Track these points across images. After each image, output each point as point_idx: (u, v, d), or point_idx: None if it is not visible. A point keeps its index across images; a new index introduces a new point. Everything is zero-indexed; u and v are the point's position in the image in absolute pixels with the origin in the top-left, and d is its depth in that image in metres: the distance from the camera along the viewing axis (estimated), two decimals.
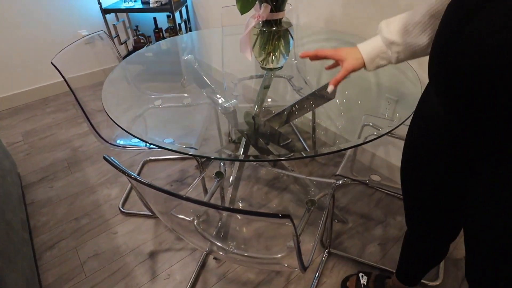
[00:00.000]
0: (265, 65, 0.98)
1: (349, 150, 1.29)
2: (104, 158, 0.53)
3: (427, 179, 0.62)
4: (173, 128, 1.29)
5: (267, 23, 0.89)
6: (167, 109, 1.34)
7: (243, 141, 1.20)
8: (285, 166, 1.59)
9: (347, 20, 1.35)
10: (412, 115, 0.68)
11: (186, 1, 2.35)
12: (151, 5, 2.10)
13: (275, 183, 1.55)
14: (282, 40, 0.93)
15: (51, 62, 0.95)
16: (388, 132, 0.83)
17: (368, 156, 1.63)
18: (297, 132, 1.82)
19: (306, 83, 1.53)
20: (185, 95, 1.39)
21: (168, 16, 2.28)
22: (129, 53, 2.44)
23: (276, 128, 1.19)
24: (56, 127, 2.01)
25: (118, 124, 0.91)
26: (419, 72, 1.23)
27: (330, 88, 0.68)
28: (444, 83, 0.46)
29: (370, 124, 1.27)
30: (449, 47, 0.43)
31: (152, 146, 0.88)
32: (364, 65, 0.66)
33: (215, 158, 1.11)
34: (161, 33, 2.33)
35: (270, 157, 0.78)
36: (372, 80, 1.35)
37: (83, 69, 2.45)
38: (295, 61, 1.55)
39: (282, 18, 0.90)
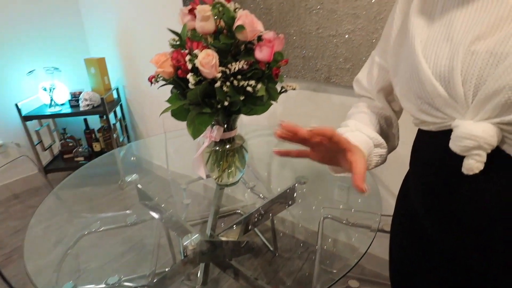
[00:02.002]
0: (220, 181, 0.92)
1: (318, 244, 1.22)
2: None
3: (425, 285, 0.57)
4: (116, 259, 1.09)
5: (220, 141, 0.86)
6: (107, 232, 1.15)
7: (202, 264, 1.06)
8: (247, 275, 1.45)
9: (288, 116, 1.42)
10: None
11: (121, 100, 2.29)
12: (81, 109, 1.98)
13: None
14: (236, 155, 0.90)
15: None
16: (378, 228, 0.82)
17: (330, 243, 1.59)
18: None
19: (257, 178, 1.50)
20: (128, 211, 1.23)
21: (101, 116, 2.17)
22: (54, 159, 2.19)
23: (236, 239, 1.09)
24: None
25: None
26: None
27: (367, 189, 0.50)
28: (438, 227, 0.45)
29: (329, 216, 1.26)
30: (442, 202, 0.43)
31: None
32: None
33: None
34: (93, 135, 2.18)
35: None
36: (322, 168, 1.38)
37: None
38: None
39: (235, 135, 0.87)
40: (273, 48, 0.69)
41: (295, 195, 1.02)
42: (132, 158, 1.74)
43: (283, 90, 0.82)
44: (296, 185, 1.03)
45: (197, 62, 0.64)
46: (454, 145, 0.39)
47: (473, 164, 0.37)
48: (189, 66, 0.65)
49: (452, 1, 0.43)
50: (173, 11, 1.62)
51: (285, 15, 1.19)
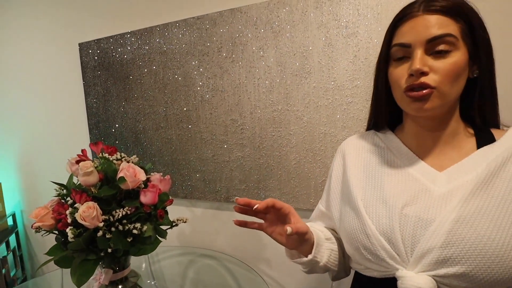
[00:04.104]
0: None
1: None
2: None
3: None
4: None
5: (111, 283, 0.83)
6: None
7: None
8: None
9: (196, 235, 1.45)
10: None
11: (17, 227, 2.04)
12: None
13: None
14: None
15: None
16: None
17: None
18: None
19: None
20: None
21: None
22: None
23: None
24: None
25: None
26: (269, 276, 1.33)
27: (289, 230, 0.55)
28: None
29: None
30: None
31: None
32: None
33: None
34: None
35: None
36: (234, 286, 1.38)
37: None
38: (154, 282, 1.46)
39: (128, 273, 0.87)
40: (157, 192, 0.78)
41: None
42: None
43: (174, 224, 0.88)
44: None
45: (77, 215, 0.67)
46: None
47: None
48: (69, 220, 0.68)
49: (380, 171, 0.57)
50: (80, 135, 1.67)
51: (185, 144, 1.34)
